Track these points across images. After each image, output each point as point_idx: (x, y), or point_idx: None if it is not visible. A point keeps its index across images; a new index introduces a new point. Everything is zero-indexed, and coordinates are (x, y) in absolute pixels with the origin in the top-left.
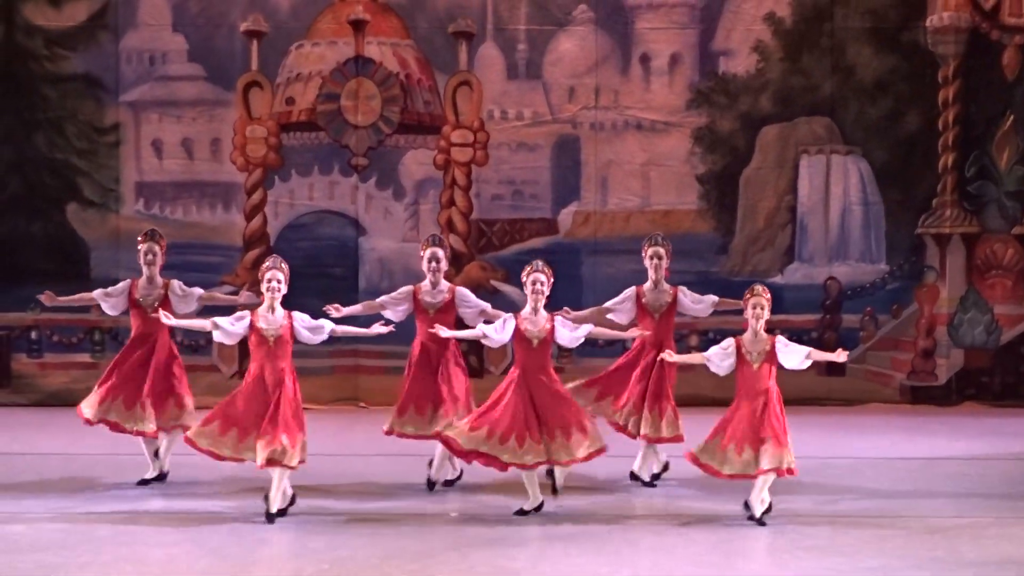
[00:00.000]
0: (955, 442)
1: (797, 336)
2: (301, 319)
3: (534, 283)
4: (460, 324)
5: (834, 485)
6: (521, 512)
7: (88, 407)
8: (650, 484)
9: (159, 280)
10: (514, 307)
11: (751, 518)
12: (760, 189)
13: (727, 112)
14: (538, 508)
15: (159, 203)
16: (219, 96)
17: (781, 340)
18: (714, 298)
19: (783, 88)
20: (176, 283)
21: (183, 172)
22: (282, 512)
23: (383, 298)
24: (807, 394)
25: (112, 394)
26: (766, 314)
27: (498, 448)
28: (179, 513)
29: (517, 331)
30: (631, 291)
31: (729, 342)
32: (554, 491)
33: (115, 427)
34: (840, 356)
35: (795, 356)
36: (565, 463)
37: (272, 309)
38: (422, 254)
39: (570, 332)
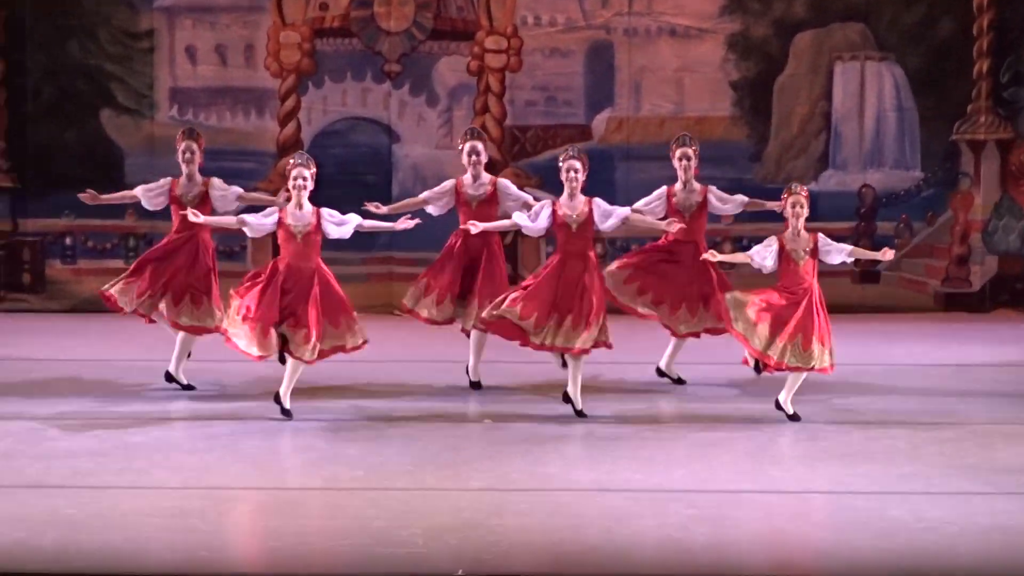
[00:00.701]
0: (989, 348)
1: None
2: (329, 214)
3: (568, 170)
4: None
5: (868, 391)
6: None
7: (122, 296)
8: (680, 381)
9: (199, 178)
10: None
11: (791, 417)
12: (794, 96)
13: (761, 18)
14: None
15: (193, 109)
16: (253, 2)
17: (823, 237)
18: (743, 198)
19: None
20: (216, 180)
21: (217, 78)
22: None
23: (426, 193)
24: (841, 301)
25: (152, 287)
26: (805, 212)
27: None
28: (212, 418)
29: (556, 217)
30: (662, 190)
31: (771, 240)
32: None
33: (149, 319)
34: (886, 255)
35: (838, 253)
36: (560, 349)
37: (300, 205)
38: (461, 147)
39: (608, 214)
